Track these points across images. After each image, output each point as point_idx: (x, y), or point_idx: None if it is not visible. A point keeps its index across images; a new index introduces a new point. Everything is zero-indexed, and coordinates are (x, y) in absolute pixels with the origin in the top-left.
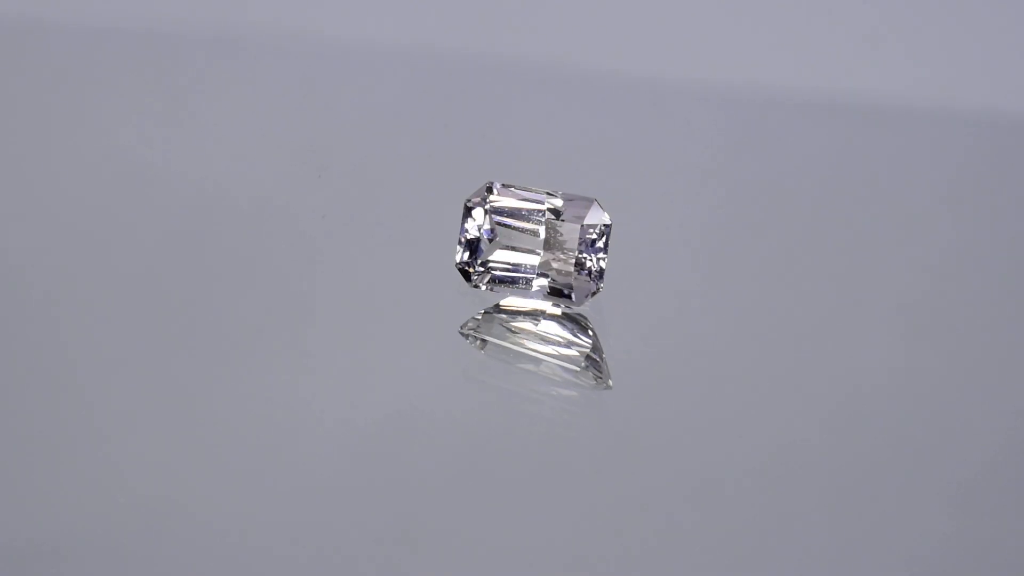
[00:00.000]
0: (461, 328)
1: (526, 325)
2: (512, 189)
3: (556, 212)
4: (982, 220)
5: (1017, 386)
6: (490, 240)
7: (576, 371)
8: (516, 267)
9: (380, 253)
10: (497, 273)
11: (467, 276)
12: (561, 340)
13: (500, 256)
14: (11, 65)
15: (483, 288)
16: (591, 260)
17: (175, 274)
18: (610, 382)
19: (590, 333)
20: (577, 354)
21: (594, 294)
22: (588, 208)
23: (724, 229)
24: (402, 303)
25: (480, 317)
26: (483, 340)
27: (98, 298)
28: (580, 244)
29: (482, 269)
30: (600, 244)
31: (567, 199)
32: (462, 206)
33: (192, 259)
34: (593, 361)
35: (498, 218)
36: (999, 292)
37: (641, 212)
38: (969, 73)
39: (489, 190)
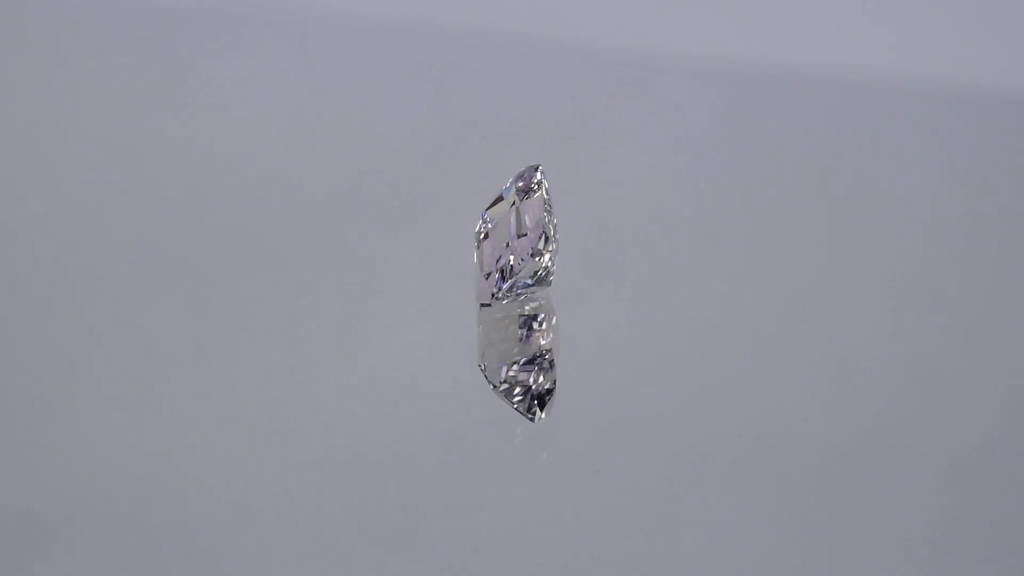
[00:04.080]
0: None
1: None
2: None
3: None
4: (972, 195)
5: (1008, 358)
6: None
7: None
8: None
9: (389, 224)
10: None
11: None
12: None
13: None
14: (10, 35)
15: (476, 244)
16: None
17: (175, 248)
18: (536, 416)
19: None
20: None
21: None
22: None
23: (710, 207)
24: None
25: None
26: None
27: (99, 273)
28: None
29: (486, 225)
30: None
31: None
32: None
33: (193, 233)
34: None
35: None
36: (990, 267)
37: (628, 189)
38: (960, 47)
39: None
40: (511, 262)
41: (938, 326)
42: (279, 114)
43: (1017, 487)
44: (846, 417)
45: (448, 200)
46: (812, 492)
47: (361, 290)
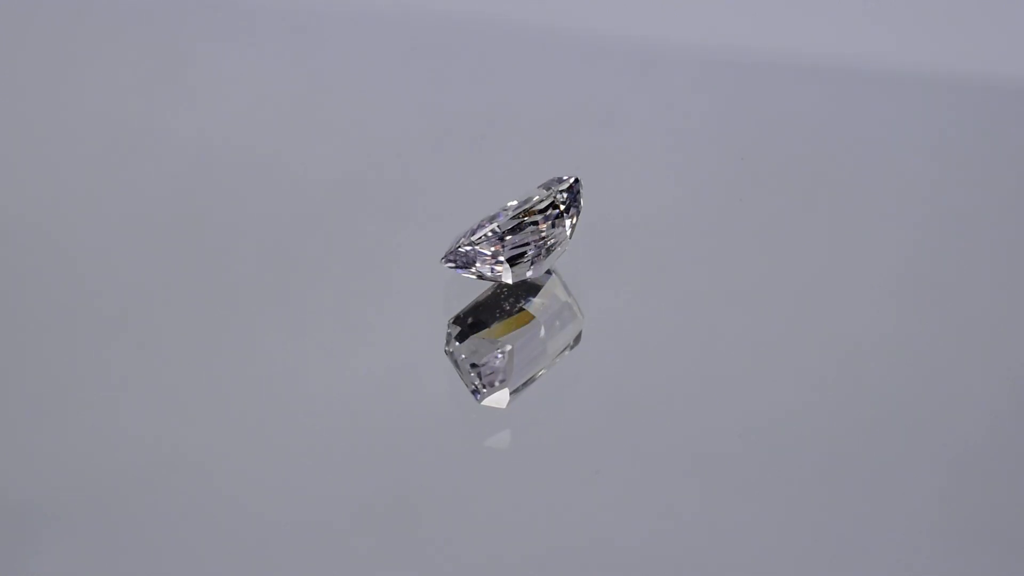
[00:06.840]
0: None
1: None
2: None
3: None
4: (972, 186)
5: (1009, 350)
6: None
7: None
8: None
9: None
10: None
11: None
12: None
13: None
14: (10, 32)
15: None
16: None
17: (175, 240)
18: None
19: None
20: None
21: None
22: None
23: (711, 199)
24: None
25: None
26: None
27: (101, 266)
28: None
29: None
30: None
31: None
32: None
33: (193, 228)
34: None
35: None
36: (990, 257)
37: (630, 182)
38: (959, 38)
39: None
40: (461, 239)
41: (939, 318)
42: (280, 107)
43: (1020, 480)
44: (847, 410)
45: (449, 197)
46: (811, 489)
47: (361, 284)
